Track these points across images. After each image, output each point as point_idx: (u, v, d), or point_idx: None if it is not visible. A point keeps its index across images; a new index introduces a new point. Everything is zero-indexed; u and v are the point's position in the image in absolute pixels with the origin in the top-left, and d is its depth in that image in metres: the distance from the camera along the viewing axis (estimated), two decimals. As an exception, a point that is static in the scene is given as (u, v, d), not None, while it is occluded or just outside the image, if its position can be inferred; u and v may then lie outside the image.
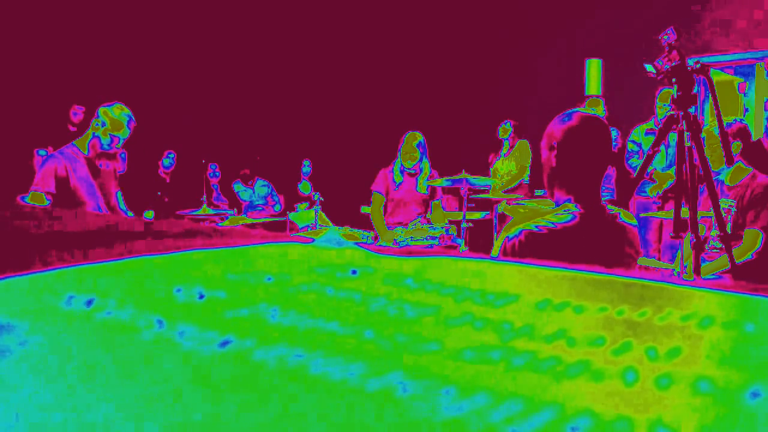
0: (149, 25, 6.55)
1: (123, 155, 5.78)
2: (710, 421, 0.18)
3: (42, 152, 4.95)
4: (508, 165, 5.37)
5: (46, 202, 2.85)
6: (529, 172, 5.30)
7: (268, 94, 7.36)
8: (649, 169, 3.82)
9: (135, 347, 0.25)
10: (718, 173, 3.00)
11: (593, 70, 6.15)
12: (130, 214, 3.31)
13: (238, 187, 6.66)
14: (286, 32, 7.34)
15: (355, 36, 7.13)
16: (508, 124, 5.39)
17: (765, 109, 5.74)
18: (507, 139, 5.40)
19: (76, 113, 5.74)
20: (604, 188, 4.74)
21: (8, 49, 5.56)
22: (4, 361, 0.24)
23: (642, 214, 3.93)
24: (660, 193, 4.18)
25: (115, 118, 2.97)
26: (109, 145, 2.98)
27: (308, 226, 4.28)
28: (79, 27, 6.07)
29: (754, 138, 3.68)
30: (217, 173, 6.71)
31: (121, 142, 3.01)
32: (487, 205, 4.79)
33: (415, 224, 3.88)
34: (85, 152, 2.99)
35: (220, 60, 6.98)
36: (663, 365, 0.22)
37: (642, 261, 3.14)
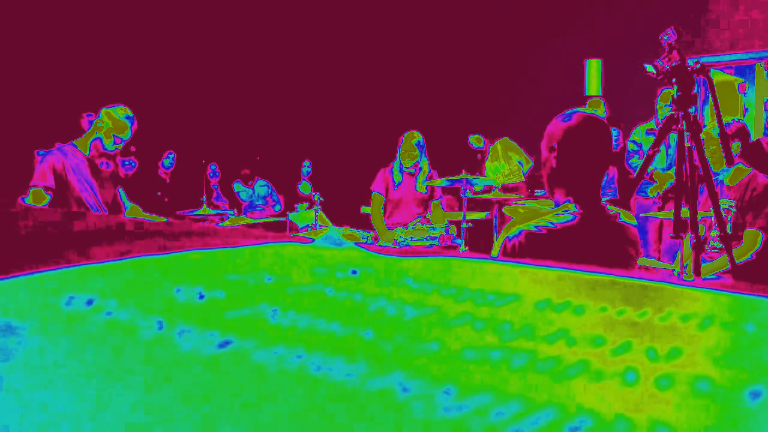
0: (149, 26, 6.55)
1: (132, 163, 5.81)
2: (710, 421, 0.18)
3: (42, 152, 4.95)
4: (498, 165, 5.42)
5: (47, 198, 2.84)
6: (532, 163, 5.33)
7: (269, 94, 7.36)
8: (650, 169, 3.82)
9: (135, 347, 0.25)
10: (718, 174, 3.00)
11: (593, 70, 6.15)
12: (130, 205, 3.31)
13: (238, 187, 6.66)
14: (286, 32, 7.34)
15: (354, 36, 7.13)
16: (477, 135, 5.54)
17: (765, 109, 5.74)
18: (483, 147, 5.52)
19: (86, 120, 5.75)
20: (606, 188, 4.76)
21: (7, 49, 5.56)
22: (5, 361, 0.24)
23: (642, 215, 3.93)
24: (660, 193, 4.18)
25: (118, 120, 2.96)
26: (112, 146, 2.97)
27: (308, 226, 4.28)
28: (80, 27, 6.07)
29: (753, 138, 3.68)
30: (217, 173, 6.71)
31: (123, 143, 3.01)
32: (487, 205, 4.79)
33: (415, 224, 3.89)
34: (86, 153, 2.98)
35: (221, 60, 6.98)
36: (663, 365, 0.22)
37: (642, 261, 3.14)
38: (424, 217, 4.11)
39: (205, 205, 4.22)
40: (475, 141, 5.56)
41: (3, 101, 5.41)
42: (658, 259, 4.03)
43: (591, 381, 0.21)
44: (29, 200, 2.85)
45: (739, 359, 0.23)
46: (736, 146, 3.00)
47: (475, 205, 4.77)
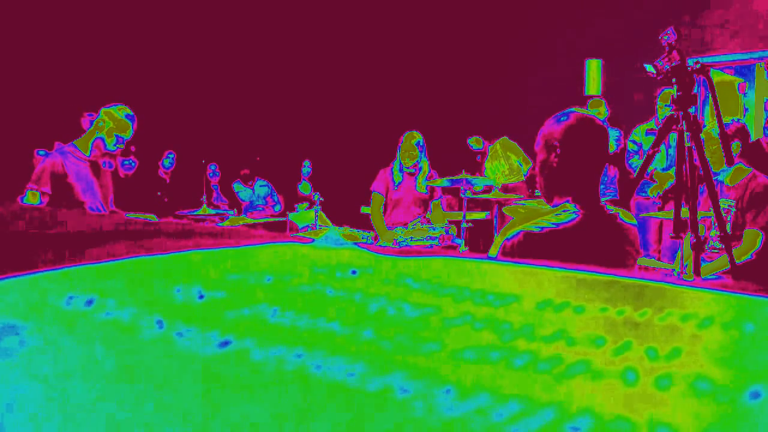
0: (149, 26, 6.55)
1: (132, 163, 5.81)
2: (710, 421, 0.18)
3: (42, 152, 4.95)
4: (498, 165, 5.44)
5: (38, 201, 2.84)
6: (531, 164, 5.36)
7: (268, 94, 7.36)
8: (650, 169, 3.82)
9: (135, 347, 0.25)
10: (718, 174, 3.00)
11: (593, 70, 6.15)
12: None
13: (238, 187, 6.66)
14: (286, 32, 7.34)
15: (354, 36, 7.13)
16: (476, 137, 5.58)
17: (765, 109, 5.74)
18: (482, 149, 5.56)
19: (86, 120, 5.74)
20: (606, 188, 4.77)
21: (7, 49, 5.56)
22: (5, 360, 0.24)
23: (642, 215, 3.93)
24: (660, 193, 4.18)
25: (120, 119, 2.96)
26: (114, 145, 2.97)
27: (308, 226, 4.28)
28: (80, 27, 6.07)
29: (753, 138, 3.68)
30: (217, 173, 6.71)
31: (125, 142, 3.00)
32: (487, 205, 4.79)
33: (415, 224, 3.89)
34: (87, 153, 2.98)
35: (221, 60, 6.98)
36: (663, 365, 0.22)
37: (642, 261, 3.14)
38: (424, 217, 4.11)
39: (205, 205, 4.21)
40: (475, 143, 5.59)
41: (3, 101, 5.41)
42: (658, 259, 4.03)
43: (591, 381, 0.21)
44: (27, 200, 2.85)
45: (739, 359, 0.23)
46: (736, 146, 3.00)
47: (475, 205, 4.77)
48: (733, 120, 3.16)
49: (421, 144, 4.08)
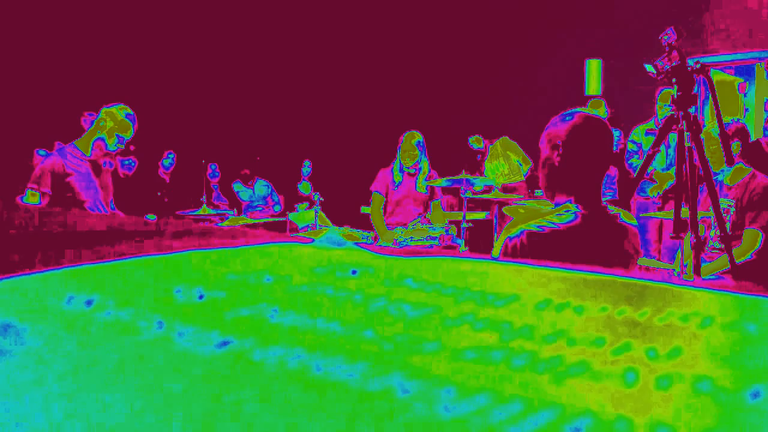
0: (149, 26, 6.55)
1: (132, 163, 5.80)
2: (710, 421, 0.18)
3: (42, 152, 4.95)
4: (498, 165, 5.45)
5: (38, 201, 2.84)
6: (531, 164, 5.37)
7: (269, 94, 7.36)
8: (649, 169, 3.82)
9: (135, 347, 0.25)
10: (718, 174, 3.00)
11: (593, 70, 6.15)
12: None
13: (238, 187, 6.66)
14: (286, 32, 7.34)
15: (354, 36, 7.13)
16: (477, 136, 5.60)
17: (765, 110, 5.75)
18: (483, 148, 5.58)
19: (86, 120, 5.74)
20: (606, 189, 4.77)
21: (7, 49, 5.56)
22: (5, 360, 0.24)
23: (642, 215, 3.93)
24: (660, 193, 4.18)
25: (121, 119, 2.96)
26: (115, 145, 2.97)
27: (308, 226, 4.28)
28: (80, 27, 6.07)
29: (753, 138, 3.68)
30: (217, 173, 6.71)
31: (125, 142, 3.00)
32: (487, 205, 4.79)
33: (415, 224, 3.89)
34: (88, 153, 2.97)
35: (221, 60, 6.98)
36: (663, 365, 0.22)
37: (642, 261, 3.14)
38: (424, 217, 4.11)
39: (205, 205, 4.21)
40: (475, 142, 5.61)
41: (3, 101, 5.41)
42: (658, 259, 4.03)
43: (591, 381, 0.21)
44: (27, 200, 2.85)
45: (740, 359, 0.23)
46: (736, 146, 3.00)
47: (475, 205, 4.77)
48: (733, 120, 3.16)
49: (421, 144, 4.08)
